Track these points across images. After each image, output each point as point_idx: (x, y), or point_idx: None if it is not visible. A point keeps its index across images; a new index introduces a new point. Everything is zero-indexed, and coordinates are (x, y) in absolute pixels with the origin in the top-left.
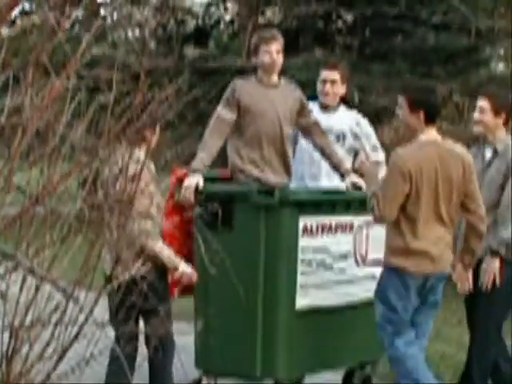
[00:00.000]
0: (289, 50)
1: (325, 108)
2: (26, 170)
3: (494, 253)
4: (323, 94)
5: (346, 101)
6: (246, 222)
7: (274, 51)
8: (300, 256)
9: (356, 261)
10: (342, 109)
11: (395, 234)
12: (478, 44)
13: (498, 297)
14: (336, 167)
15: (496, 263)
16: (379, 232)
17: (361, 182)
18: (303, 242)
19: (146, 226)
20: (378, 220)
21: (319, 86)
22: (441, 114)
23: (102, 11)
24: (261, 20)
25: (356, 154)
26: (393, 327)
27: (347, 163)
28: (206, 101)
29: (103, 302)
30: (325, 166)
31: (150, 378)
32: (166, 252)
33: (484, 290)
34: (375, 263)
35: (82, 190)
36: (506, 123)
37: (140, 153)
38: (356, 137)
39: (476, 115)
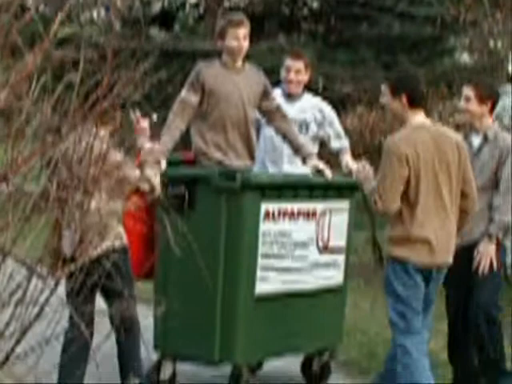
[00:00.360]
0: (254, 35)
1: (288, 96)
2: None
3: (492, 237)
4: (287, 82)
5: (310, 88)
6: (207, 206)
7: (241, 36)
8: (261, 241)
9: (318, 248)
10: (306, 97)
11: (396, 223)
12: (442, 33)
13: (494, 279)
14: (297, 151)
15: (493, 247)
16: (341, 219)
17: (322, 165)
18: (264, 226)
19: (126, 172)
20: (383, 212)
21: (283, 73)
22: (424, 98)
23: None
24: (227, 3)
25: (321, 143)
26: (405, 323)
27: (309, 148)
28: (172, 83)
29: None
30: (287, 151)
31: (120, 359)
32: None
33: (480, 273)
34: (337, 250)
35: (47, 169)
36: (490, 111)
37: (104, 132)
38: (320, 125)
39: (461, 104)
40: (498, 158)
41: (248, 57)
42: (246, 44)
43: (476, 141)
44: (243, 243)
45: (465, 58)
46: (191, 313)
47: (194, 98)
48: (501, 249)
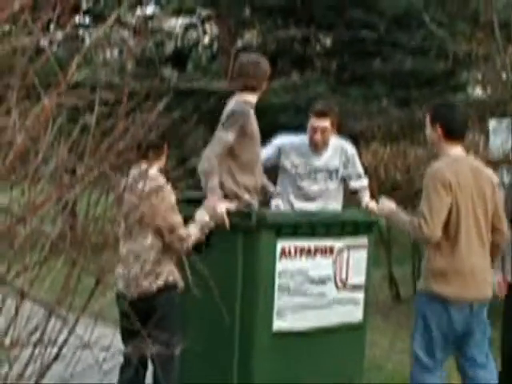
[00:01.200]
0: None
1: (316, 151)
2: (6, 191)
3: None
4: (313, 142)
5: None
6: (224, 244)
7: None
8: (278, 279)
9: (336, 285)
10: (331, 143)
11: (435, 256)
12: (455, 68)
13: None
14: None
15: None
16: (360, 256)
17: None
18: (281, 264)
19: (182, 234)
20: (429, 237)
21: (309, 132)
22: (465, 131)
23: (81, 32)
24: (240, 43)
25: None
26: (429, 360)
27: (271, 187)
28: (185, 122)
29: (84, 321)
30: (314, 187)
31: None
32: (194, 230)
33: None
34: (356, 287)
35: (63, 211)
36: None
37: (153, 170)
38: (344, 166)
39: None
40: None
41: (263, 93)
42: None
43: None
44: (260, 281)
45: (478, 92)
46: (209, 350)
47: (232, 139)
48: None
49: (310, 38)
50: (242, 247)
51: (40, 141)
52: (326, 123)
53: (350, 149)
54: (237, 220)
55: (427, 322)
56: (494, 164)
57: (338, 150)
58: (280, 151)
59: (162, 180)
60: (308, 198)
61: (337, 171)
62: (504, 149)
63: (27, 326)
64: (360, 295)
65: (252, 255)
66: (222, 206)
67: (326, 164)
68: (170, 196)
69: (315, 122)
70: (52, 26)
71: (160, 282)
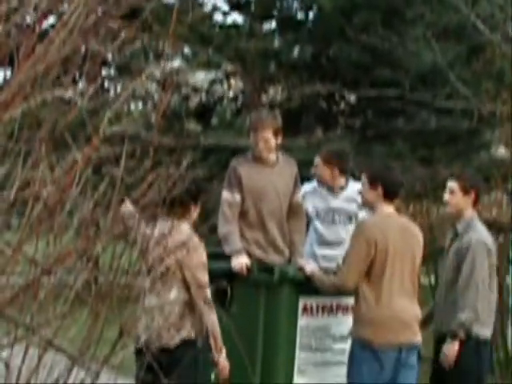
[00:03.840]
0: (291, 129)
1: (331, 190)
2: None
3: (454, 336)
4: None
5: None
6: (246, 299)
7: (259, 139)
8: (299, 335)
9: None
10: (351, 185)
11: (361, 304)
12: (479, 127)
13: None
14: (291, 249)
15: (456, 346)
16: None
17: (306, 265)
18: (303, 321)
19: (207, 295)
20: (339, 285)
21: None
22: (400, 193)
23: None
24: (264, 98)
25: None
26: None
27: (301, 250)
28: (210, 179)
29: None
30: (342, 248)
31: None
32: (218, 328)
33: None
34: None
35: (88, 263)
36: (475, 203)
37: (185, 226)
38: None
39: (446, 196)
40: (460, 253)
41: (285, 151)
42: (269, 144)
43: (451, 235)
44: (281, 337)
45: (501, 151)
46: None
47: (238, 197)
48: (476, 345)
49: (335, 94)
50: (264, 303)
51: (67, 193)
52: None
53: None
54: (260, 275)
55: (359, 369)
56: None
57: (356, 193)
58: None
59: (194, 236)
60: (328, 243)
61: (356, 216)
62: None
63: (49, 377)
64: None
65: (274, 311)
66: (237, 263)
67: (342, 205)
68: (203, 253)
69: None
70: (81, 80)
71: (182, 336)
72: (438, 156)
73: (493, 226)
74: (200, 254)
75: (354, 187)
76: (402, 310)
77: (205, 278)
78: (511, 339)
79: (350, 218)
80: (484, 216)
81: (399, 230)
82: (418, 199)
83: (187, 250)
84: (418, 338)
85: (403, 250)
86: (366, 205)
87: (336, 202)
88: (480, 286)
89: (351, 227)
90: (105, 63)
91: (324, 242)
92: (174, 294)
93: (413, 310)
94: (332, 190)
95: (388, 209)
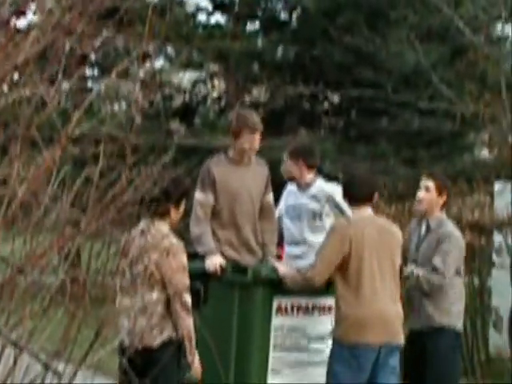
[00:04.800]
0: (274, 130)
1: (299, 185)
2: (9, 241)
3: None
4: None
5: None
6: (220, 300)
7: (256, 140)
8: (273, 335)
9: None
10: (318, 184)
11: (341, 304)
12: (462, 129)
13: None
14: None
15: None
16: None
17: (277, 265)
18: (277, 321)
19: (186, 299)
20: (309, 280)
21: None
22: (370, 196)
23: (89, 84)
24: (247, 98)
25: None
26: None
27: (272, 254)
28: (190, 179)
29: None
30: (312, 245)
31: None
32: (192, 332)
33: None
34: None
35: (65, 262)
36: (444, 205)
37: (163, 227)
38: (327, 214)
39: (421, 194)
40: (434, 247)
41: (268, 151)
42: (258, 145)
43: (423, 229)
44: (255, 336)
45: (484, 153)
46: None
47: (211, 197)
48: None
49: (318, 95)
50: (237, 303)
51: (42, 192)
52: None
53: (340, 197)
54: (233, 276)
55: (335, 368)
56: (499, 226)
57: (325, 194)
58: (282, 199)
59: (173, 238)
60: (294, 240)
61: (320, 215)
62: (509, 211)
63: (25, 379)
64: None
65: (247, 311)
66: (211, 263)
67: (308, 202)
68: (182, 256)
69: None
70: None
71: (164, 337)
72: (421, 157)
73: (475, 227)
74: (179, 257)
75: (321, 187)
76: (384, 309)
77: (184, 281)
78: (492, 340)
79: (314, 215)
80: (466, 218)
81: (376, 229)
82: (400, 200)
83: (166, 252)
84: (398, 338)
85: (380, 249)
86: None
87: (302, 199)
88: (451, 275)
89: (315, 225)
90: (85, 63)
91: (291, 239)
92: (156, 294)
93: (395, 310)
94: (300, 185)
95: (363, 211)
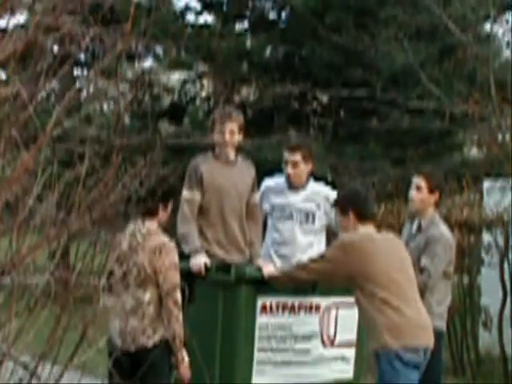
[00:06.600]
0: (263, 129)
1: (291, 187)
2: None
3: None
4: (287, 175)
5: (318, 178)
6: (204, 299)
7: (227, 130)
8: (257, 334)
9: (322, 341)
10: (311, 186)
11: (379, 315)
12: (451, 128)
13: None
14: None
15: None
16: (350, 313)
17: (265, 266)
18: (262, 319)
19: (177, 297)
20: (296, 275)
21: (283, 166)
22: (375, 211)
23: (78, 84)
24: (236, 98)
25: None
26: None
27: (258, 255)
28: (178, 178)
29: (68, 376)
30: (300, 246)
31: None
32: (182, 332)
33: None
34: (345, 344)
35: (51, 261)
36: (437, 203)
37: (152, 226)
38: (327, 213)
39: (413, 193)
40: (421, 247)
41: (257, 150)
42: (234, 138)
43: (414, 228)
44: (239, 336)
45: (474, 152)
46: None
47: (198, 196)
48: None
49: (307, 94)
50: (222, 302)
51: (28, 193)
52: (296, 157)
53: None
54: (217, 275)
55: (394, 380)
56: (488, 224)
57: (319, 195)
58: (262, 196)
59: (164, 237)
60: (283, 240)
61: (313, 216)
62: (498, 209)
63: (11, 379)
64: (350, 351)
65: (232, 310)
66: (195, 263)
67: (301, 204)
68: (174, 254)
69: (286, 156)
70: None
71: (158, 337)
72: (410, 156)
73: (464, 226)
74: (172, 256)
75: (316, 189)
76: (419, 315)
77: (176, 279)
78: (482, 340)
79: (307, 216)
80: (455, 216)
81: (384, 241)
82: (389, 199)
83: (159, 250)
84: (432, 341)
85: (395, 259)
86: (345, 231)
87: (294, 199)
88: (437, 276)
89: (307, 226)
90: (71, 61)
91: (279, 240)
92: (149, 295)
93: (426, 315)
94: (293, 187)
95: (367, 228)
